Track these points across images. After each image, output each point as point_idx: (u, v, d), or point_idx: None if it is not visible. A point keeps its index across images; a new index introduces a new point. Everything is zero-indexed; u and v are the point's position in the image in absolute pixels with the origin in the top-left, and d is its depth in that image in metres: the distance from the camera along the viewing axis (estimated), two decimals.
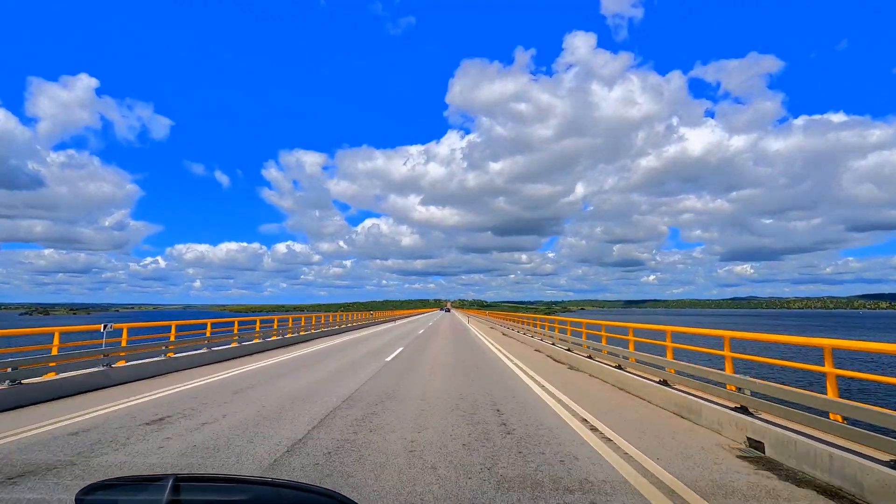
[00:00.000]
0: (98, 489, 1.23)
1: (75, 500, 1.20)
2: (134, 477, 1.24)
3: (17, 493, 3.77)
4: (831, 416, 4.43)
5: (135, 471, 4.29)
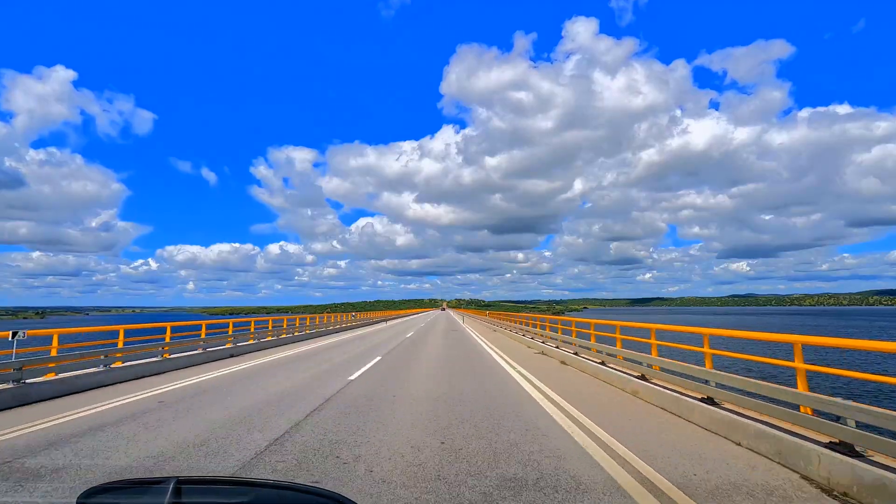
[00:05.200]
0: (100, 492, 1.26)
1: (76, 503, 1.23)
2: (135, 479, 1.28)
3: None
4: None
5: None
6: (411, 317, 68.88)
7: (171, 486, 1.19)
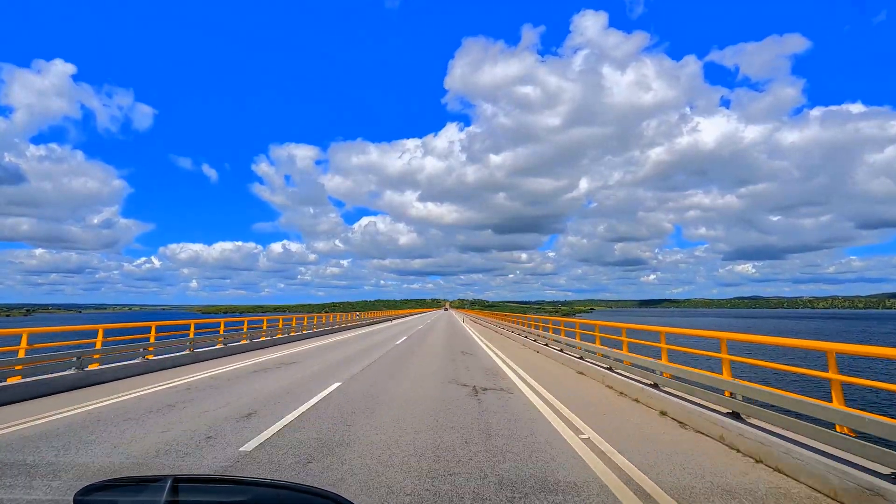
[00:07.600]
0: (97, 489, 1.29)
1: (74, 500, 1.26)
2: (133, 477, 1.30)
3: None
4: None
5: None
6: (408, 318, 64.05)
7: (168, 484, 1.21)
